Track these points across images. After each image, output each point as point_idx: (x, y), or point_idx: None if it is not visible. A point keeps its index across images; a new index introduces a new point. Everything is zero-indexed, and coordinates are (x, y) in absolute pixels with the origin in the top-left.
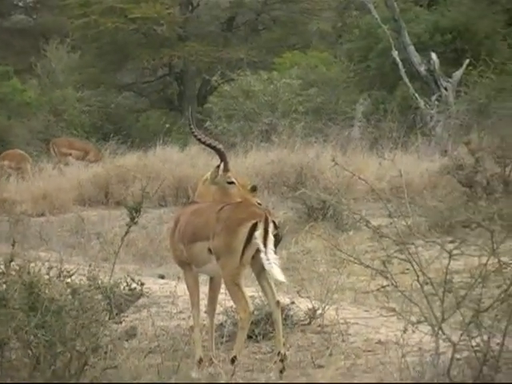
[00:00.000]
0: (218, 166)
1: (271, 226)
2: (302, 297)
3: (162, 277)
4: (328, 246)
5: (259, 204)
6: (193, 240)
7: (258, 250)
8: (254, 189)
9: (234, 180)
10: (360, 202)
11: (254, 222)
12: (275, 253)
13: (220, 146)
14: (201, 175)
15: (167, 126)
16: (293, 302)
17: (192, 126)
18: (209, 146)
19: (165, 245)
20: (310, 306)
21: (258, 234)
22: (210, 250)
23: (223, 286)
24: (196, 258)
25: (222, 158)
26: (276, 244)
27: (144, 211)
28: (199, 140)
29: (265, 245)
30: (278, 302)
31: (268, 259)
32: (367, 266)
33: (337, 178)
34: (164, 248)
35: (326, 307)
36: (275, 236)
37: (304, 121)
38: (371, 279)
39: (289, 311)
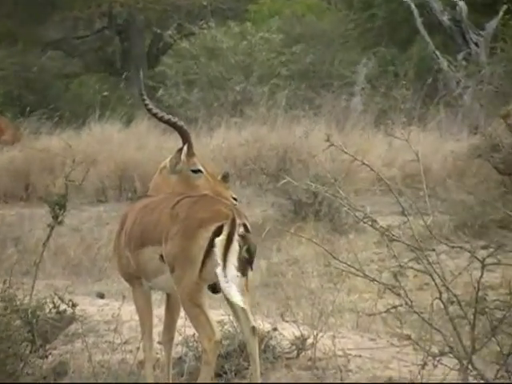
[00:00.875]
0: (180, 150)
1: (240, 230)
2: (288, 321)
3: (102, 296)
4: (321, 253)
5: (235, 199)
6: (141, 244)
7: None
8: (226, 178)
9: (200, 167)
10: (363, 194)
11: (218, 224)
12: (242, 269)
13: (182, 123)
14: (152, 160)
15: (105, 94)
16: (275, 329)
17: (144, 97)
18: (167, 122)
19: (106, 252)
20: (298, 334)
21: (219, 240)
22: (162, 258)
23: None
24: (145, 269)
25: (185, 138)
26: (251, 254)
27: (78, 209)
28: (155, 115)
29: (225, 256)
30: (253, 329)
31: (225, 276)
32: (373, 280)
33: (332, 163)
34: (104, 257)
35: (320, 335)
36: (248, 246)
37: (288, 88)
38: (378, 297)
39: (270, 340)
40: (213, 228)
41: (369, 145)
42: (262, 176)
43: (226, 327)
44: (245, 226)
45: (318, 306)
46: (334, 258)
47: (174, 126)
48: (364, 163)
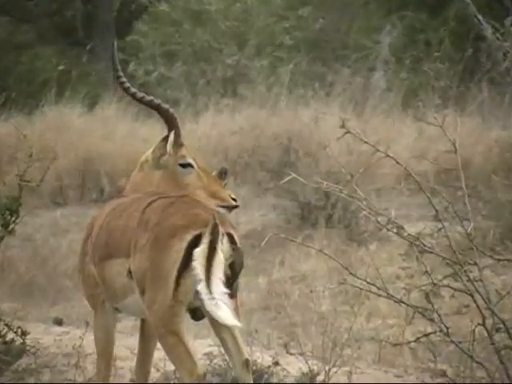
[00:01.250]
0: (166, 139)
1: (224, 240)
2: (293, 353)
3: (60, 322)
4: (335, 268)
5: (234, 200)
6: (106, 256)
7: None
8: (223, 174)
9: (191, 161)
10: (387, 194)
11: (196, 232)
12: (229, 285)
13: (167, 106)
14: (122, 152)
15: (63, 68)
16: (277, 363)
17: (120, 73)
18: (149, 104)
19: (65, 268)
20: (306, 369)
21: (199, 251)
22: (130, 274)
23: None
24: (111, 288)
25: (172, 124)
26: (234, 273)
27: (30, 214)
28: (133, 95)
29: (208, 270)
30: (247, 362)
31: (211, 294)
32: (399, 302)
33: (348, 155)
34: (63, 273)
35: (333, 370)
36: (232, 261)
37: (293, 62)
38: (406, 323)
39: (270, 377)
40: (188, 237)
41: (394, 132)
42: (261, 172)
43: (215, 361)
44: (229, 235)
45: (330, 335)
46: (351, 273)
47: (157, 109)
48: (388, 155)
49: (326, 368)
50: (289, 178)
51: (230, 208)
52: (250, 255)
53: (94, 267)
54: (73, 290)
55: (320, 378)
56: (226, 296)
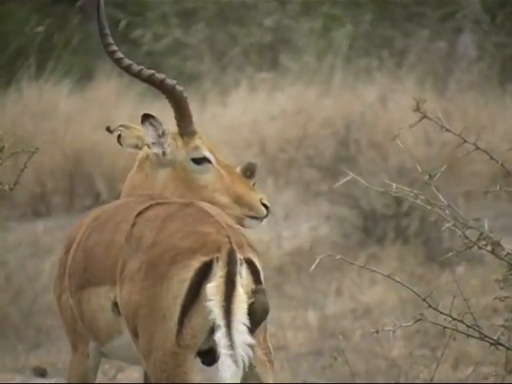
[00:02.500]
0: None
1: (243, 271)
2: None
3: (43, 372)
4: (409, 299)
5: (266, 207)
6: (83, 283)
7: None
8: (250, 172)
9: (207, 154)
10: (479, 199)
11: (205, 259)
12: (251, 330)
13: (174, 82)
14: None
15: (41, 31)
16: None
17: (108, 38)
18: (149, 81)
19: (48, 301)
20: None
21: (214, 288)
22: (117, 307)
23: None
24: (90, 324)
25: (180, 106)
26: (255, 321)
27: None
28: (127, 68)
29: (228, 313)
30: None
31: (230, 344)
32: (496, 344)
33: (427, 147)
34: (45, 308)
35: None
36: (252, 303)
37: (352, 22)
38: (506, 372)
39: None
40: (195, 265)
41: (487, 116)
42: (310, 170)
43: None
44: (249, 262)
45: None
46: (431, 306)
47: (160, 86)
48: (479, 148)
49: None
50: (347, 178)
51: (261, 218)
52: (296, 282)
53: (71, 297)
54: (58, 329)
55: None
56: (249, 349)
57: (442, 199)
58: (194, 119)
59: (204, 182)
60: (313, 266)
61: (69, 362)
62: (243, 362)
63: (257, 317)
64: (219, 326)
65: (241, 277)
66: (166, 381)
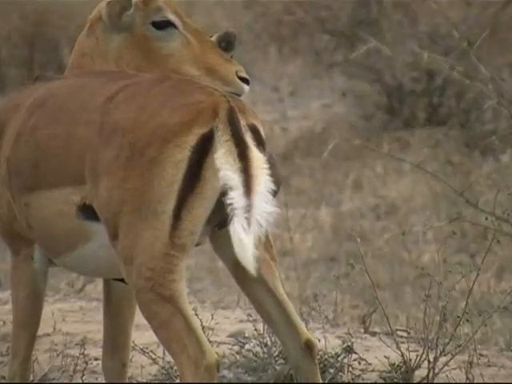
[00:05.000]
0: None
1: (248, 138)
2: (375, 333)
3: None
4: (443, 194)
5: (246, 82)
6: (33, 185)
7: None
8: (226, 43)
9: (171, 17)
10: None
11: (203, 131)
12: (271, 199)
13: None
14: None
15: None
16: (349, 349)
17: None
18: None
19: None
20: (397, 359)
21: (221, 156)
22: (82, 210)
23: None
24: (44, 233)
25: None
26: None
27: None
28: None
29: (245, 172)
30: (308, 345)
31: (246, 206)
32: None
33: (465, 9)
34: None
35: (441, 360)
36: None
37: None
38: None
39: (339, 372)
40: (192, 140)
41: None
42: (322, 36)
43: (248, 346)
44: (254, 130)
45: (435, 302)
46: (469, 202)
47: None
48: None
49: (431, 357)
50: (367, 46)
51: (239, 95)
52: (305, 173)
53: (12, 200)
54: None
55: (420, 373)
56: (270, 218)
57: (484, 71)
58: None
59: (167, 50)
60: (325, 153)
61: (12, 269)
62: (260, 231)
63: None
64: (234, 186)
65: (249, 138)
66: (150, 290)
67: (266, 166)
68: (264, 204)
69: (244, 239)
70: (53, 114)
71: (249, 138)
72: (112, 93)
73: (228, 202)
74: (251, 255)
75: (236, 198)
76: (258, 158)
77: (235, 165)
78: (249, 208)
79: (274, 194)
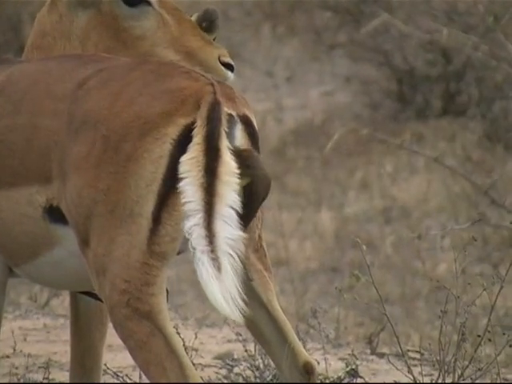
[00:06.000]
0: None
1: (237, 131)
2: (383, 354)
3: None
4: (463, 193)
5: (230, 68)
6: None
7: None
8: (207, 22)
9: None
10: None
11: (186, 122)
12: (246, 218)
13: None
14: None
15: None
16: (354, 372)
17: None
18: None
19: None
20: (409, 381)
21: (189, 160)
22: (47, 212)
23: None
24: (4, 236)
25: None
26: (253, 203)
27: None
28: None
29: (210, 194)
30: (307, 368)
31: (207, 236)
32: None
33: None
34: None
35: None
36: (254, 178)
37: None
38: None
39: None
40: (173, 132)
41: None
42: (322, 13)
43: (237, 369)
44: (246, 121)
45: (453, 318)
46: (495, 201)
47: None
48: None
49: (447, 381)
50: (375, 23)
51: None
52: (303, 171)
53: None
54: None
55: None
56: (239, 244)
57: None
58: None
59: (140, 31)
60: (328, 147)
61: None
62: (229, 263)
63: (257, 195)
64: (193, 210)
65: (232, 139)
66: (125, 308)
67: (237, 180)
68: (229, 229)
69: (214, 291)
70: (13, 103)
71: (224, 145)
72: (82, 78)
73: (186, 233)
74: (230, 301)
75: (194, 229)
76: (228, 171)
77: (198, 180)
78: (210, 239)
79: (262, 200)
